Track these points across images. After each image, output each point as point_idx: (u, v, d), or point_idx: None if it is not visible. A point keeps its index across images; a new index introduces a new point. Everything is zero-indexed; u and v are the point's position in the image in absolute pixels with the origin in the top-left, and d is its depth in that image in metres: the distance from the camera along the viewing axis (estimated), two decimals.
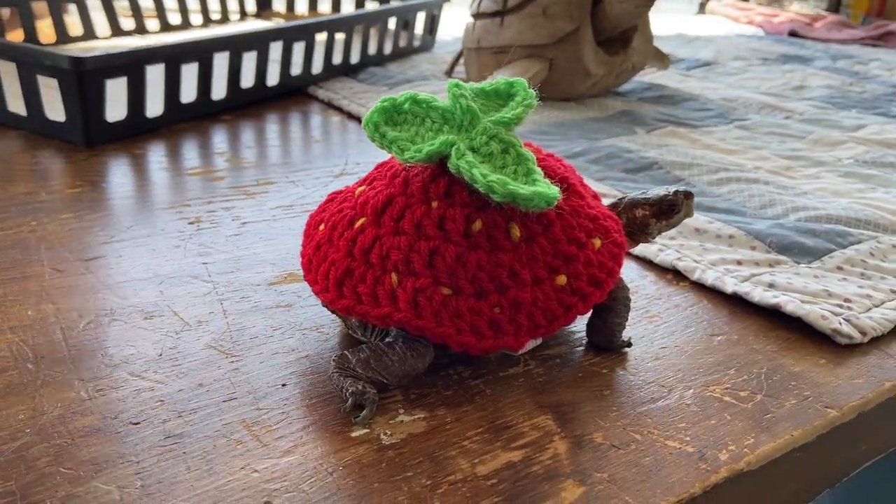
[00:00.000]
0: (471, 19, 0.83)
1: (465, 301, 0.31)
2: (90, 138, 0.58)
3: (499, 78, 0.35)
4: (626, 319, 0.37)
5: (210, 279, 0.40)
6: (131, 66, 0.58)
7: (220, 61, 0.68)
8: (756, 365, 0.36)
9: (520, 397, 0.33)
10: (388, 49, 0.93)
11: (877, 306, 0.42)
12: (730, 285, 0.43)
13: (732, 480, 0.30)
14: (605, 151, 0.64)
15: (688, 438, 0.31)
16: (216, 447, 0.28)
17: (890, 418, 0.37)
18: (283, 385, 0.32)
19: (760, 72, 1.07)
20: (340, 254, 0.33)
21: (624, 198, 0.38)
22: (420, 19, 1.00)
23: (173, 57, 0.61)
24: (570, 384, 0.34)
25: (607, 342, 0.37)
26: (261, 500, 0.26)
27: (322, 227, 0.35)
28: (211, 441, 0.29)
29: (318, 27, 0.77)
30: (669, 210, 0.37)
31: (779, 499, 0.33)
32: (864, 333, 0.39)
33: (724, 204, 0.55)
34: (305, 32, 0.75)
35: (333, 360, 0.32)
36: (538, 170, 0.32)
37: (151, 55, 0.59)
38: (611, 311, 0.36)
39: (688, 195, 0.37)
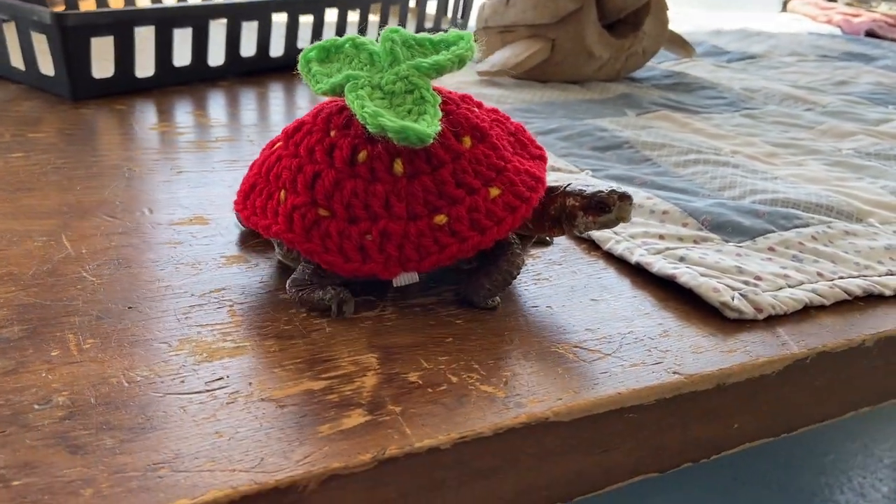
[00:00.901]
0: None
1: (337, 224, 0.34)
2: (76, 92, 0.61)
3: (452, 31, 0.37)
4: (497, 290, 0.36)
5: (116, 216, 0.42)
6: (117, 25, 0.61)
7: (219, 29, 0.71)
8: (623, 329, 0.36)
9: (357, 337, 0.33)
10: (411, 29, 0.94)
11: (791, 286, 0.40)
12: (636, 255, 0.42)
13: (532, 427, 0.29)
14: (578, 129, 0.63)
15: (505, 386, 0.31)
16: (33, 352, 0.30)
17: (772, 399, 0.36)
18: (130, 308, 0.34)
19: (809, 67, 1.02)
20: (254, 170, 0.37)
21: (570, 184, 0.37)
22: (450, 1, 1.01)
23: (164, 20, 0.64)
24: (416, 330, 0.34)
25: (471, 298, 0.36)
26: (44, 396, 0.27)
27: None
28: (33, 346, 0.30)
29: (328, 2, 0.79)
30: (598, 207, 0.35)
31: (613, 460, 0.32)
32: (759, 310, 0.38)
33: (681, 184, 0.54)
34: (313, 6, 0.77)
35: (288, 287, 0.35)
36: (434, 112, 0.34)
37: (139, 16, 0.62)
38: (486, 274, 0.36)
39: (623, 197, 0.35)
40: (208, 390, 0.29)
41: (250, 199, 0.36)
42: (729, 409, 0.35)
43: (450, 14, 1.02)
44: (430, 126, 0.33)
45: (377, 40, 0.36)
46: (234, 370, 0.30)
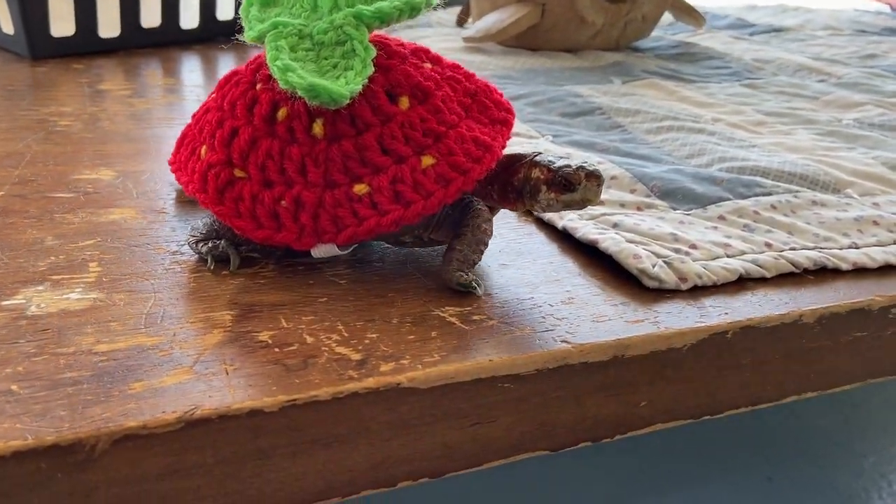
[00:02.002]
0: None
1: (250, 186, 0.31)
2: (34, 50, 0.60)
3: None
4: (474, 253, 0.32)
5: (18, 167, 0.41)
6: None
7: None
8: (524, 296, 0.32)
9: (221, 293, 0.31)
10: None
11: (731, 256, 0.37)
12: (564, 220, 0.39)
13: (381, 393, 0.26)
14: (550, 95, 0.60)
15: (364, 348, 0.28)
16: None
17: (686, 377, 0.32)
18: None
19: (840, 41, 0.96)
20: (190, 121, 0.35)
21: (539, 153, 0.33)
22: None
23: None
24: (290, 288, 0.32)
25: (445, 272, 0.32)
26: None
27: None
28: None
29: None
30: (562, 184, 0.31)
31: (489, 434, 0.29)
32: (683, 279, 0.34)
33: (646, 150, 0.50)
34: None
35: (189, 231, 0.34)
36: (361, 68, 0.30)
37: None
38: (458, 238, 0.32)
39: (591, 176, 0.31)
40: (30, 341, 0.27)
41: (179, 153, 0.34)
42: (633, 386, 0.31)
43: None
44: (347, 84, 0.29)
45: None
46: (69, 322, 0.28)
